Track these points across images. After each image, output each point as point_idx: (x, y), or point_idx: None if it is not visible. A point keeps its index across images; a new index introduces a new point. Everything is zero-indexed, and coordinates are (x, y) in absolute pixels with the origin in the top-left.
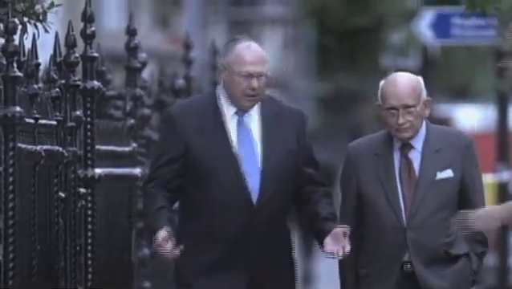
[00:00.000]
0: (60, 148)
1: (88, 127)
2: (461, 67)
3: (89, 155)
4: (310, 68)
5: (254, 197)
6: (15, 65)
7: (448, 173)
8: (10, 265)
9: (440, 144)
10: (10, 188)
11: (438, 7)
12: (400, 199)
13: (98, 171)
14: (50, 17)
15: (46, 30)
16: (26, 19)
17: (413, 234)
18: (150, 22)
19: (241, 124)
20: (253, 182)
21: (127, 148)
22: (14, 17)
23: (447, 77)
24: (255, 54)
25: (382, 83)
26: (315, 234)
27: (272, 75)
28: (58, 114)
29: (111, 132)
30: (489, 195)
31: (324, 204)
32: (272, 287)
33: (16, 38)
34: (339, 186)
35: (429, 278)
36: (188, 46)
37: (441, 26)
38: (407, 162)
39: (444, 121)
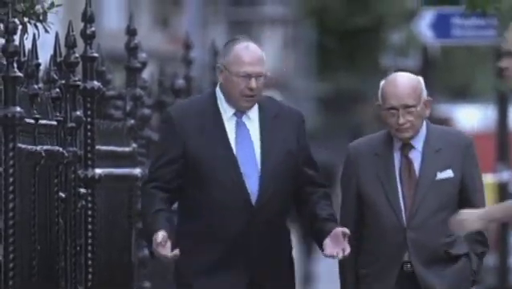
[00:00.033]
0: (60, 149)
1: (88, 127)
2: (461, 67)
3: (89, 155)
4: (310, 68)
5: (254, 197)
6: (15, 65)
7: (448, 173)
8: (11, 265)
9: (440, 144)
10: (11, 188)
11: (438, 7)
12: (400, 199)
13: (98, 171)
14: (50, 17)
15: (46, 31)
16: (26, 19)
17: (413, 234)
18: (150, 22)
19: (240, 125)
20: (253, 182)
21: (127, 149)
22: (15, 17)
23: (447, 77)
24: (253, 54)
25: (382, 83)
26: (315, 236)
27: (272, 75)
28: (58, 114)
29: (111, 132)
30: (489, 195)
31: (323, 205)
32: (272, 287)
33: (16, 38)
34: (339, 186)
35: (429, 278)
36: (188, 47)
37: (441, 26)
38: (407, 162)
39: (445, 121)
